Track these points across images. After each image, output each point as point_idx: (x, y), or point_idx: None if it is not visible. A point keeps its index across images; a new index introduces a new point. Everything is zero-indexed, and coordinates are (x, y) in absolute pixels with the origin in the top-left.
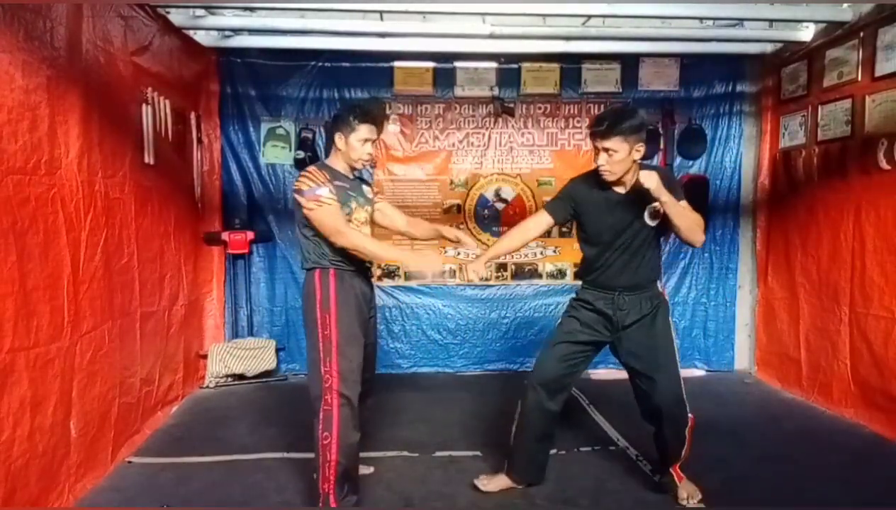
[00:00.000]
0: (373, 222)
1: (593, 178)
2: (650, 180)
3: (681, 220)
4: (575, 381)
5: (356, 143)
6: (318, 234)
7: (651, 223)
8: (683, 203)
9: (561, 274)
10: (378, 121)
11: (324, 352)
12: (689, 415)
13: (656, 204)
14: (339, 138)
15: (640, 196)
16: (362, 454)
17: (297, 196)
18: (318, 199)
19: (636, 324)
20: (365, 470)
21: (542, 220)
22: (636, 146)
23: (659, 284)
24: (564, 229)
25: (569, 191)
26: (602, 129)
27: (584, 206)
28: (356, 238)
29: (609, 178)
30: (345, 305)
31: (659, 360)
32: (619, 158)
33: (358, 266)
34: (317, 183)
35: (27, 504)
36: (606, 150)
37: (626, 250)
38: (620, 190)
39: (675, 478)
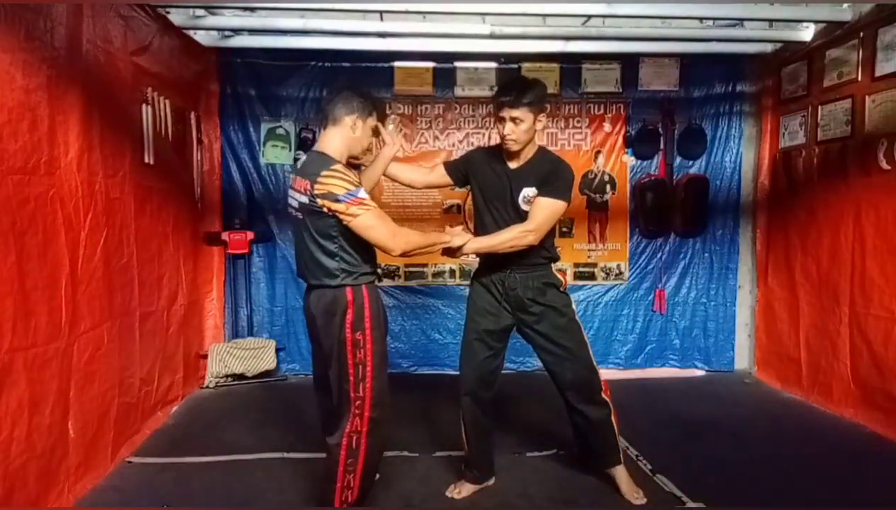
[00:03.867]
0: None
1: (495, 150)
2: (460, 240)
3: (497, 249)
4: (500, 369)
5: (370, 131)
6: (346, 246)
7: (525, 208)
8: (551, 201)
9: None
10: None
11: (355, 376)
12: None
13: (531, 192)
14: (352, 120)
15: (527, 175)
16: None
17: (327, 202)
18: (362, 202)
19: (531, 305)
20: None
21: (439, 170)
22: (539, 116)
23: (554, 268)
24: (564, 229)
25: (467, 155)
26: (510, 98)
27: (476, 172)
28: (413, 238)
29: (513, 147)
30: (378, 325)
31: (562, 340)
32: (525, 128)
33: (377, 275)
34: (354, 184)
35: (26, 504)
36: (513, 119)
37: (511, 225)
38: (513, 164)
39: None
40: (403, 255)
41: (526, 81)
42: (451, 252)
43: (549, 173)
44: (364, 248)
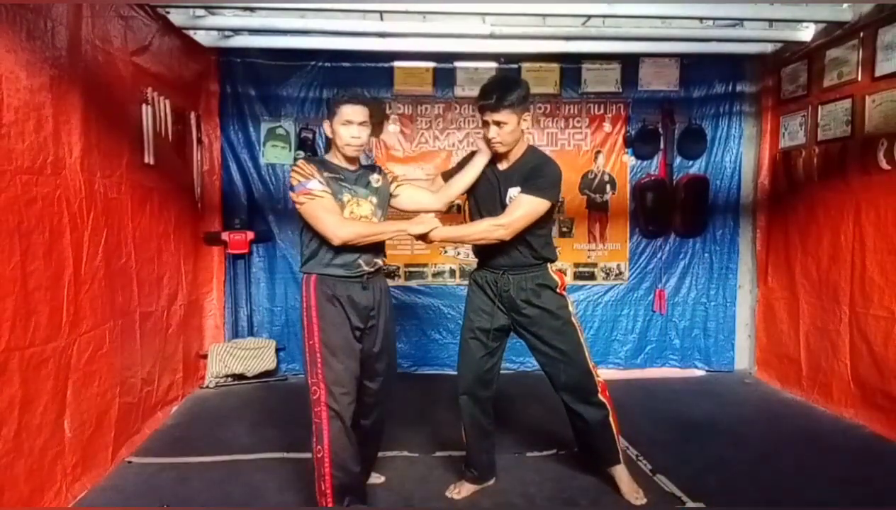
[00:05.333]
0: (399, 210)
1: None
2: (418, 229)
3: (465, 240)
4: (497, 368)
5: (339, 128)
6: (306, 236)
7: None
8: (528, 198)
9: None
10: (362, 101)
11: (310, 362)
12: (604, 403)
13: (515, 191)
14: (327, 127)
15: (513, 176)
16: None
17: (291, 193)
18: (308, 192)
19: (525, 306)
20: (376, 478)
21: (438, 182)
22: (523, 116)
23: (551, 268)
24: (564, 229)
25: (463, 161)
26: (491, 102)
27: None
28: (356, 227)
29: (500, 149)
30: (326, 315)
31: (556, 342)
32: (509, 130)
33: (350, 271)
34: (305, 176)
35: (18, 504)
36: (497, 122)
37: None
38: (502, 166)
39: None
40: (347, 244)
41: (506, 83)
42: (423, 238)
43: (532, 170)
44: (327, 241)
